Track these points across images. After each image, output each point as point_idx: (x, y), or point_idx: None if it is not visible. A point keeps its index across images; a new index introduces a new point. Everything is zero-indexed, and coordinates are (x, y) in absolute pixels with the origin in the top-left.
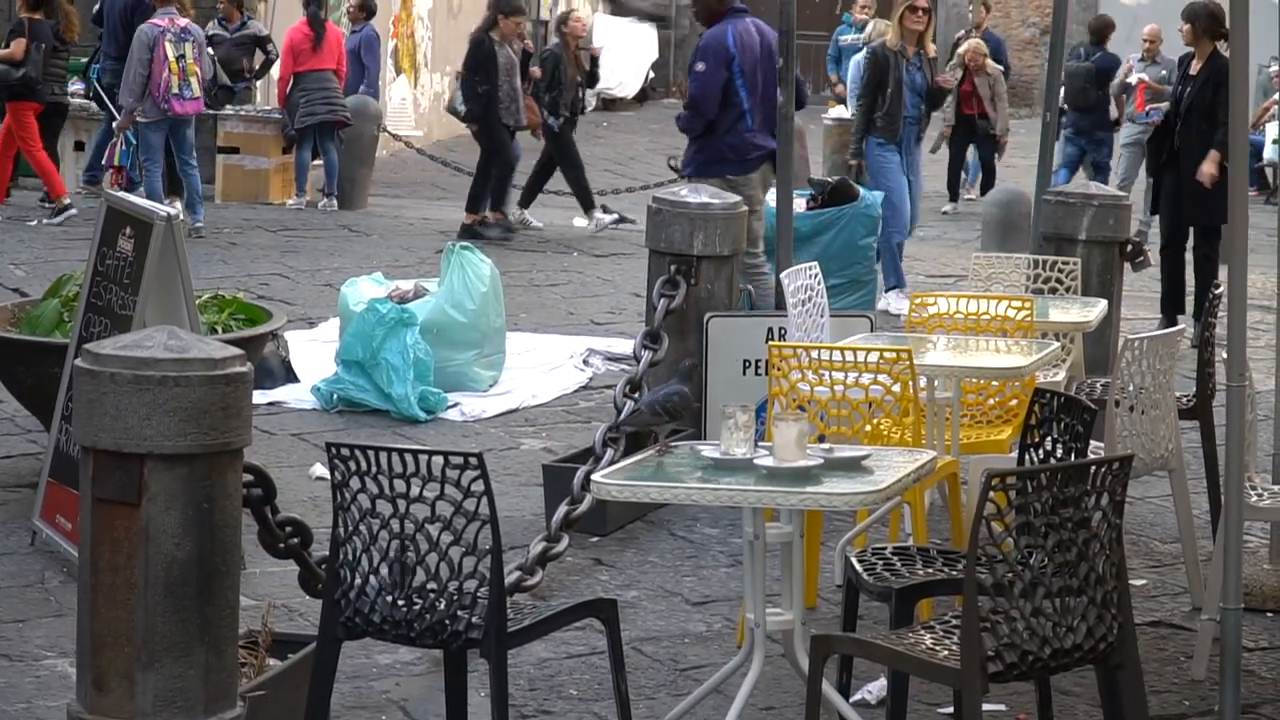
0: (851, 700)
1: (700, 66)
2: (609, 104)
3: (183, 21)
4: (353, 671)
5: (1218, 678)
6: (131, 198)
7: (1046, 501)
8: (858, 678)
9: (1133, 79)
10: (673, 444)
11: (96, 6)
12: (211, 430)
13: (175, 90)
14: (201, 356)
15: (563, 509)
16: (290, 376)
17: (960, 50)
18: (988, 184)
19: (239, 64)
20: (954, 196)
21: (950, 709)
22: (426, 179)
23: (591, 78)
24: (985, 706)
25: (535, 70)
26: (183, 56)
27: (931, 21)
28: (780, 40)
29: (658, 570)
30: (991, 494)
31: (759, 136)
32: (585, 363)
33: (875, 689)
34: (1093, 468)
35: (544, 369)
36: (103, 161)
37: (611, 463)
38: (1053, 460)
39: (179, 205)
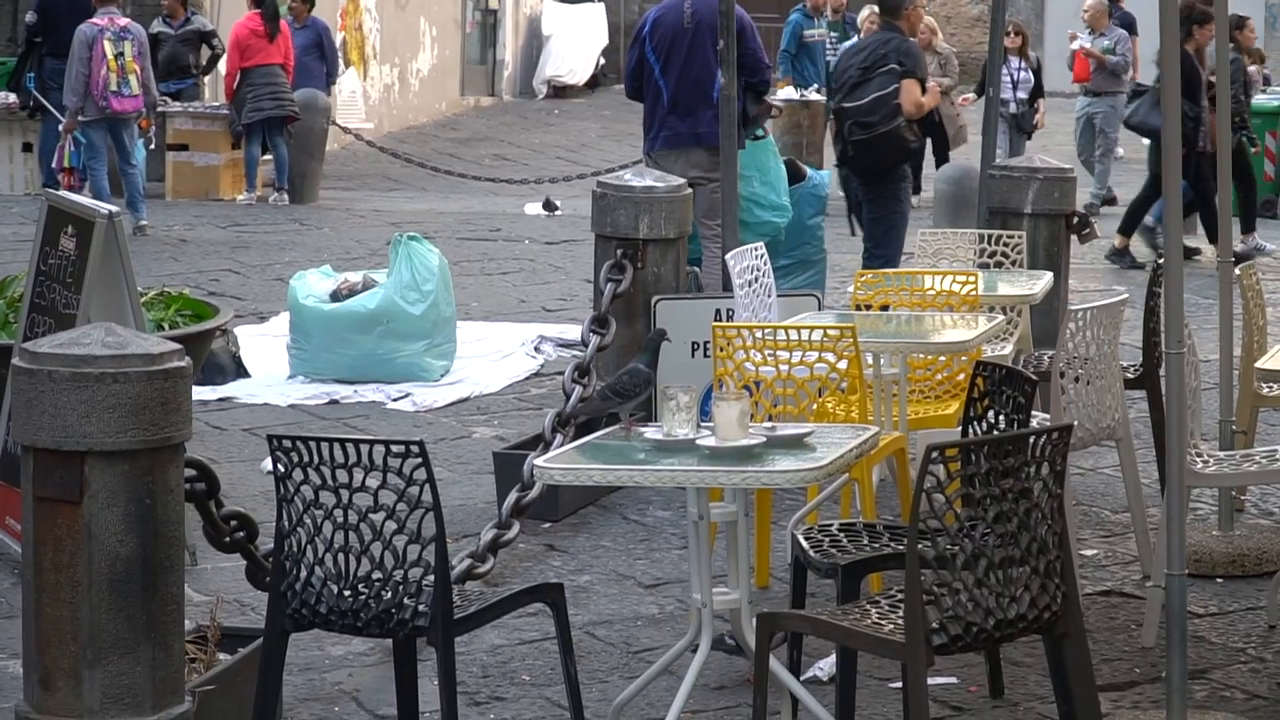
0: (803, 678)
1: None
2: (559, 90)
3: (122, 21)
4: (305, 663)
5: (1167, 644)
6: (73, 196)
7: (987, 473)
8: (810, 655)
9: (1075, 45)
10: (637, 424)
11: (31, 15)
12: (151, 426)
13: (114, 88)
14: (139, 352)
15: (513, 496)
16: (241, 372)
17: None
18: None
19: (185, 60)
20: (915, 189)
21: (900, 683)
22: (378, 171)
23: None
24: (937, 679)
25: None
26: (121, 54)
27: None
28: (720, 21)
29: (610, 554)
30: (931, 467)
31: (671, 117)
32: (537, 350)
33: (827, 665)
34: (1032, 438)
35: (495, 357)
36: (53, 165)
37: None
38: (996, 432)
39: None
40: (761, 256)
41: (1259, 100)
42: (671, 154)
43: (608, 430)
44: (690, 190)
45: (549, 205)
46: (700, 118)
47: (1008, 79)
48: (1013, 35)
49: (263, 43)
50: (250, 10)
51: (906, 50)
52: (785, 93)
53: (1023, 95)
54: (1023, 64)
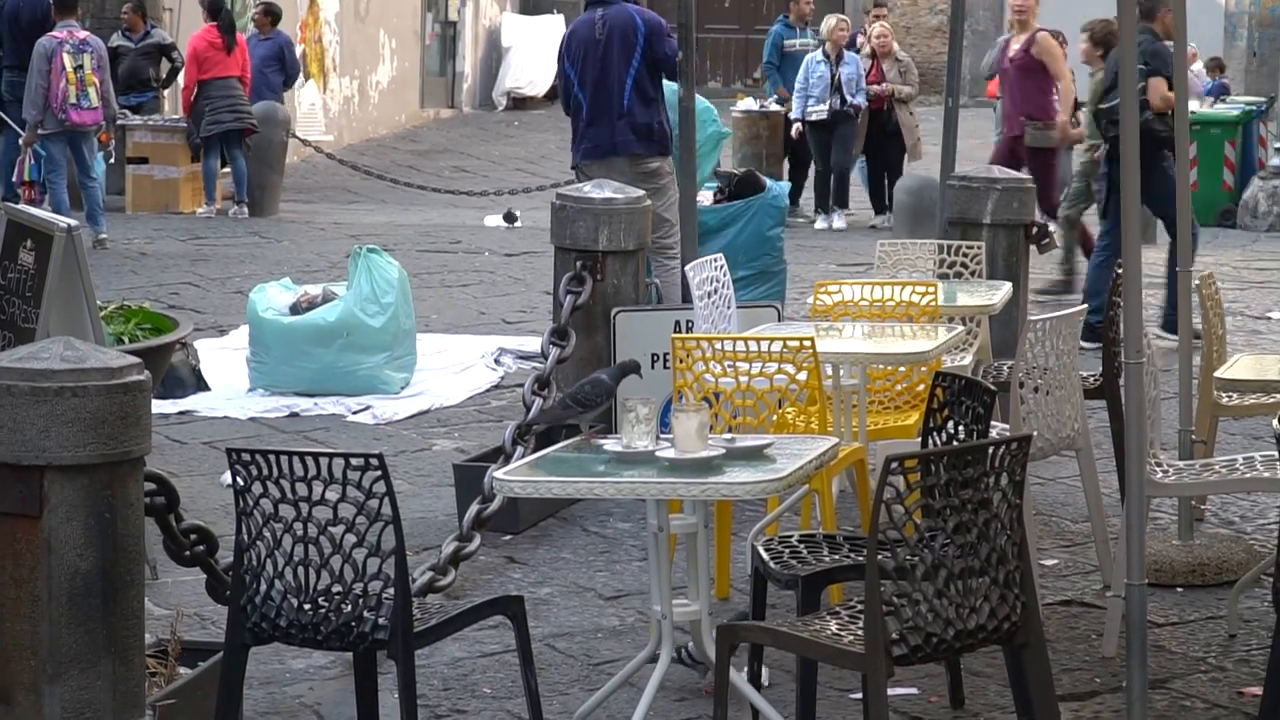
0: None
1: None
2: (519, 102)
3: (82, 34)
4: (266, 677)
5: (1127, 654)
6: (32, 210)
7: (946, 483)
8: (770, 666)
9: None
10: (597, 435)
11: None
12: (111, 440)
13: (73, 100)
14: (99, 366)
15: (474, 508)
16: (201, 385)
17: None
18: (890, 198)
19: (145, 74)
20: (879, 208)
21: (861, 694)
22: (338, 183)
23: None
24: (897, 690)
25: None
26: (81, 67)
27: None
28: (680, 34)
29: (570, 566)
30: (891, 478)
31: (590, 129)
32: (497, 362)
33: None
34: (991, 448)
35: (456, 369)
36: (13, 178)
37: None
38: (955, 443)
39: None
40: (721, 268)
41: (1219, 109)
42: (595, 164)
43: (567, 442)
44: (649, 203)
45: (510, 217)
46: (615, 128)
47: None
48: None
49: (220, 55)
50: (207, 23)
51: (1154, 51)
52: (745, 104)
53: None
54: None
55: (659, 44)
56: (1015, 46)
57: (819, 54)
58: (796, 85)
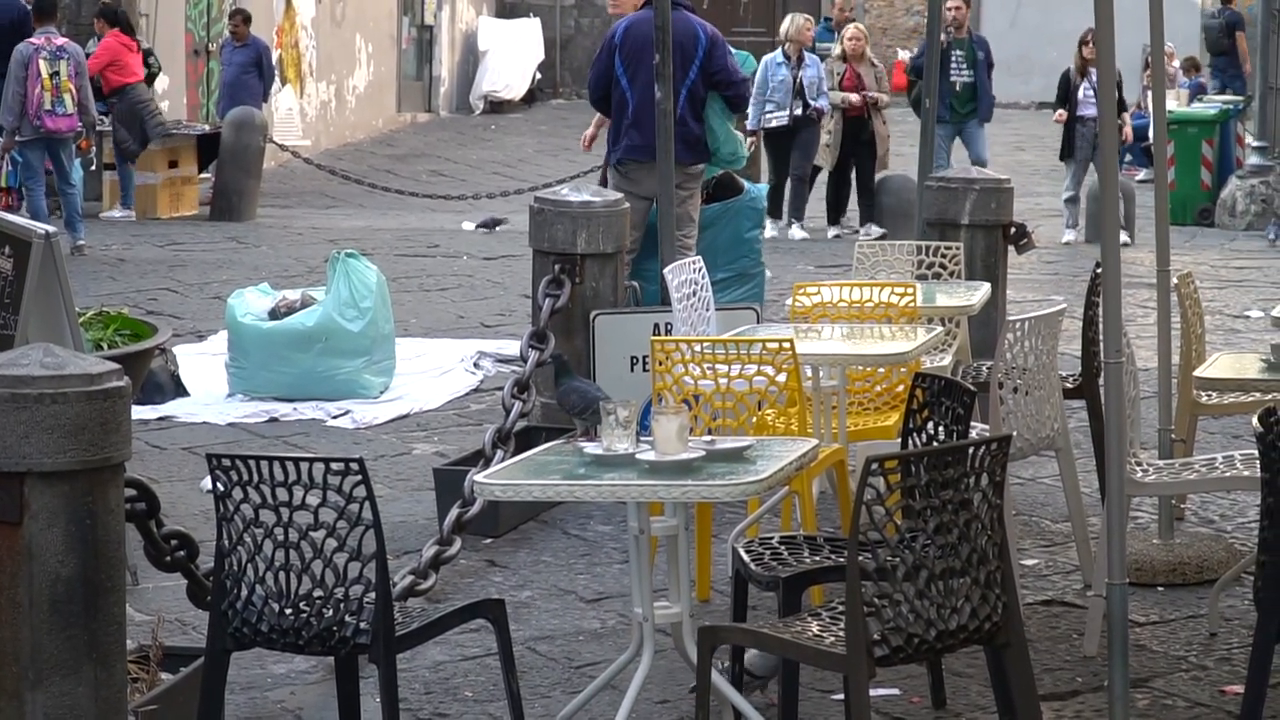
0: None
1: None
2: (496, 106)
3: (60, 40)
4: (247, 682)
5: (1109, 653)
6: (10, 217)
7: (926, 484)
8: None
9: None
10: (581, 436)
11: None
12: (91, 446)
13: (48, 107)
14: (78, 373)
15: (454, 512)
16: (180, 390)
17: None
18: (866, 209)
19: None
20: (835, 219)
21: (842, 695)
22: (315, 188)
23: None
24: (879, 691)
25: None
26: (57, 74)
27: None
28: (656, 38)
29: (551, 569)
30: (871, 479)
31: (633, 130)
32: (476, 365)
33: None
34: (971, 449)
35: (435, 373)
36: None
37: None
38: (935, 443)
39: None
40: (699, 270)
41: (1196, 109)
42: (640, 166)
43: (548, 445)
44: (627, 205)
45: (492, 223)
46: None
47: (1091, 94)
48: (1090, 46)
49: (132, 59)
50: (110, 28)
51: None
52: None
53: None
54: None
55: (719, 57)
56: None
57: (779, 55)
58: (754, 90)
